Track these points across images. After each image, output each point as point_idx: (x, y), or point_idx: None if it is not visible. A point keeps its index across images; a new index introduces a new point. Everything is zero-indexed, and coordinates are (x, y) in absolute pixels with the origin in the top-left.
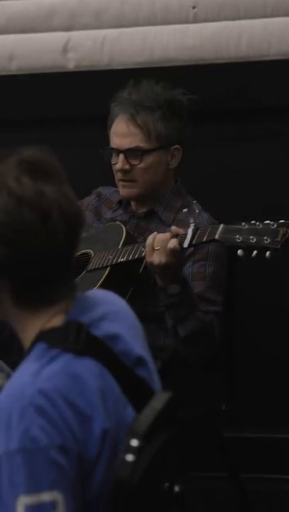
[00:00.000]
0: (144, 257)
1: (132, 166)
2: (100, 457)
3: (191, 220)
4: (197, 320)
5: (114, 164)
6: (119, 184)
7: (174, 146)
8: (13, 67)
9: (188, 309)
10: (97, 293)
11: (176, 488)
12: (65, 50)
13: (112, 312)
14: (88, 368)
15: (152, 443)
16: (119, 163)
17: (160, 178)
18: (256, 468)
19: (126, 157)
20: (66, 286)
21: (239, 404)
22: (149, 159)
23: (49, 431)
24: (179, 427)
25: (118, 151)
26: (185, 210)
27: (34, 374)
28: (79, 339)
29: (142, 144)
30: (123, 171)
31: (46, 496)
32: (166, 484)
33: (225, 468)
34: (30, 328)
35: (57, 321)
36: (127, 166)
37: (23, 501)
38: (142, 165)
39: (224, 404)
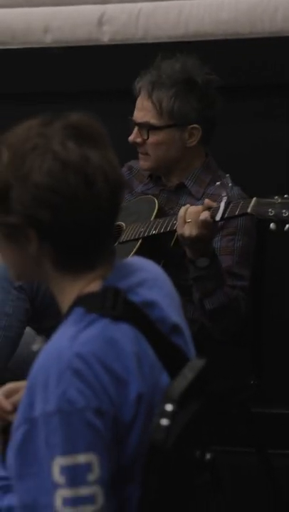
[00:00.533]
0: (175, 230)
1: (143, 139)
2: (135, 421)
3: (224, 194)
4: (224, 294)
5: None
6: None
7: (192, 126)
8: (48, 40)
9: (216, 283)
10: (136, 260)
11: (208, 456)
12: (100, 23)
13: (150, 279)
14: (125, 334)
15: (186, 409)
16: (132, 135)
17: (174, 155)
18: (283, 444)
19: (139, 130)
20: (106, 252)
21: (267, 380)
22: (159, 135)
23: (86, 393)
24: (209, 399)
25: (134, 124)
26: (218, 183)
27: (72, 338)
28: (116, 305)
29: (153, 120)
30: (135, 144)
31: (82, 458)
32: (198, 452)
33: (252, 444)
34: (68, 292)
35: (95, 286)
36: (138, 139)
37: (59, 463)
38: (150, 140)
39: (252, 378)
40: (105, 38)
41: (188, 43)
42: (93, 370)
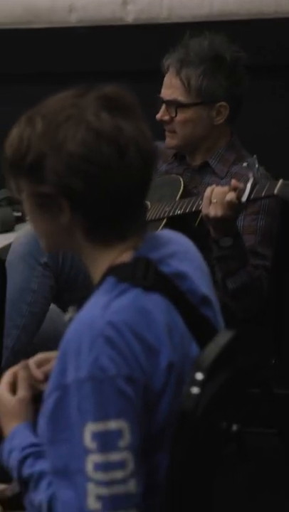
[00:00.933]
0: (200, 210)
1: (171, 117)
2: (166, 389)
3: (250, 175)
4: (247, 274)
5: None
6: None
7: (220, 103)
8: (73, 20)
9: (239, 263)
10: (167, 233)
11: (234, 427)
12: (124, 2)
13: (181, 252)
14: (156, 303)
15: (214, 379)
16: (159, 112)
17: (201, 133)
18: None
19: (166, 108)
20: (137, 223)
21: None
22: (187, 113)
23: (117, 361)
24: (236, 372)
25: (162, 102)
26: (244, 164)
27: (104, 306)
28: (147, 275)
29: (181, 98)
30: (162, 121)
31: (113, 424)
32: (224, 422)
33: (274, 425)
34: (100, 262)
35: (126, 256)
36: (166, 117)
37: (90, 429)
38: (178, 117)
39: (274, 358)
40: (129, 18)
41: (213, 22)
42: (125, 338)
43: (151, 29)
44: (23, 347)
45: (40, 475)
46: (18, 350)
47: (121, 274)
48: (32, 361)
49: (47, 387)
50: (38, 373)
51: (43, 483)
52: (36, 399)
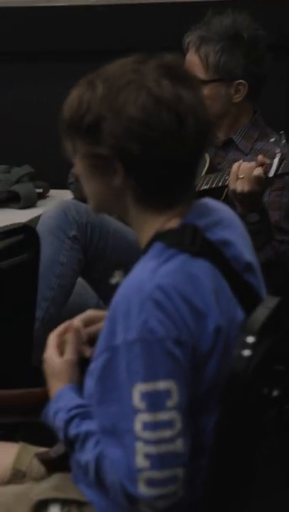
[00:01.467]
0: (226, 186)
1: None
2: (213, 352)
3: (278, 150)
4: (272, 249)
5: None
6: None
7: (238, 81)
8: None
9: (265, 238)
10: (211, 201)
11: (275, 393)
12: None
13: (226, 219)
14: (203, 269)
15: (262, 343)
16: None
17: (220, 110)
18: None
19: None
20: (187, 192)
21: None
22: (205, 90)
23: (166, 324)
24: (280, 338)
25: None
26: (272, 140)
27: (152, 270)
28: (195, 241)
29: (199, 74)
30: None
31: (161, 385)
32: (267, 388)
33: None
34: (147, 227)
35: (174, 223)
36: None
37: (139, 389)
38: None
39: None
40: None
41: (234, 1)
42: (173, 301)
43: (174, 7)
44: (52, 319)
45: (87, 435)
46: (47, 322)
47: (169, 239)
48: (80, 318)
49: (96, 349)
50: (83, 335)
51: (90, 443)
52: (81, 361)
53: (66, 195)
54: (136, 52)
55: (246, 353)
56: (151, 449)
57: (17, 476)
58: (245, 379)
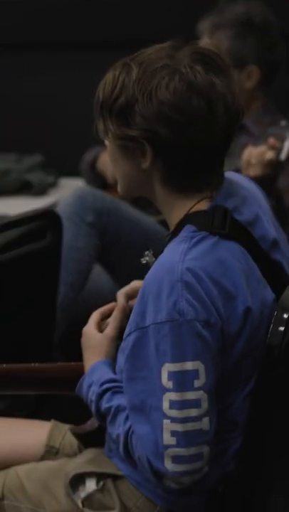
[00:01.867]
0: (238, 170)
1: None
2: (241, 333)
3: (288, 134)
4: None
5: None
6: None
7: (250, 67)
8: None
9: (281, 223)
10: (235, 176)
11: None
12: None
13: (251, 197)
14: (233, 251)
15: None
16: None
17: None
18: None
19: None
20: (214, 175)
21: None
22: None
23: (195, 306)
24: None
25: None
26: (283, 122)
27: (183, 253)
28: (225, 223)
29: None
30: None
31: (189, 365)
32: None
33: None
34: (175, 209)
35: (203, 205)
36: None
37: (167, 368)
38: None
39: None
40: None
41: None
42: (203, 284)
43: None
44: (71, 303)
45: (118, 409)
46: (66, 307)
47: (199, 222)
48: (124, 291)
49: (127, 327)
50: (126, 308)
51: (121, 418)
52: (119, 336)
53: (76, 183)
54: (146, 42)
55: (281, 328)
56: (178, 427)
57: (50, 452)
58: (280, 354)
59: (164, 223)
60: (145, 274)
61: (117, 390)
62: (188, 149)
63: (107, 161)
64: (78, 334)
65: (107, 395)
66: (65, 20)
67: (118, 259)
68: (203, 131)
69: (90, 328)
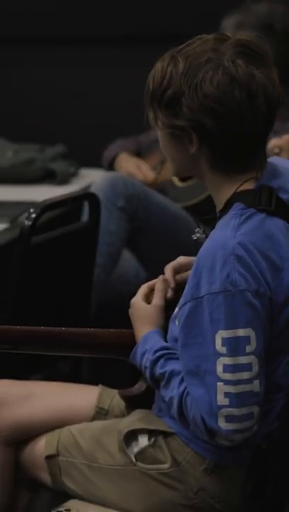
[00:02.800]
0: None
1: None
2: (287, 303)
3: None
4: None
5: None
6: None
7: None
8: None
9: None
10: (280, 160)
11: None
12: None
13: None
14: (279, 227)
15: None
16: None
17: None
18: None
19: None
20: (257, 158)
21: None
22: None
23: (247, 277)
24: None
25: None
26: None
27: (234, 229)
28: (271, 201)
29: None
30: None
31: (241, 332)
32: None
33: None
34: (222, 190)
35: (250, 185)
36: None
37: (221, 335)
38: None
39: None
40: None
41: None
42: (253, 257)
43: None
44: (102, 284)
45: (171, 374)
46: (97, 287)
47: (247, 200)
48: (171, 265)
49: (182, 298)
50: (172, 282)
51: (174, 382)
52: (167, 307)
53: (96, 173)
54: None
55: None
56: (231, 389)
57: (100, 413)
58: None
59: (188, 209)
60: (196, 249)
61: (169, 357)
62: (231, 137)
63: (122, 165)
64: (105, 314)
65: (161, 361)
66: (76, 17)
67: (146, 243)
68: (245, 120)
69: (138, 300)
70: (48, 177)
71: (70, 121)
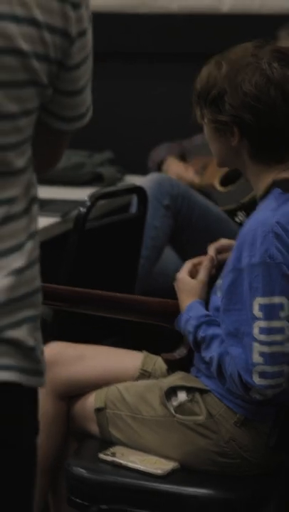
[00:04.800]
0: None
1: None
2: None
3: None
4: None
5: None
6: None
7: None
8: (175, 8)
9: None
10: None
11: None
12: None
13: None
14: None
15: None
16: None
17: None
18: None
19: None
20: None
21: None
22: None
23: (283, 252)
24: None
25: None
26: None
27: (273, 210)
28: None
29: None
30: None
31: (276, 299)
32: None
33: None
34: (262, 178)
35: (286, 173)
36: None
37: (258, 301)
38: None
39: None
40: (225, 8)
41: None
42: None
43: (244, 19)
44: (146, 275)
45: (213, 337)
46: (141, 277)
47: (284, 186)
48: (214, 246)
49: (224, 270)
50: (215, 260)
51: (215, 344)
52: (209, 283)
53: (140, 179)
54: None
55: None
56: (265, 349)
57: (144, 375)
58: None
59: (227, 213)
60: (238, 230)
61: (211, 323)
62: (268, 131)
63: (171, 167)
64: None
65: (203, 326)
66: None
67: (188, 240)
68: (280, 116)
69: (184, 275)
70: (96, 180)
71: (116, 130)
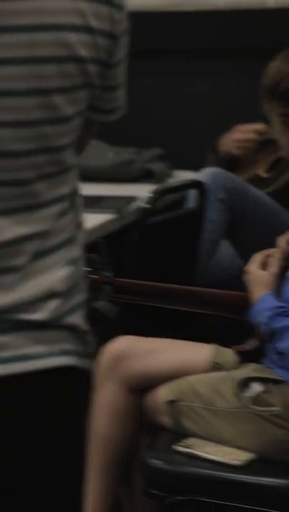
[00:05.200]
0: None
1: None
2: None
3: None
4: None
5: None
6: None
7: None
8: (221, 2)
9: None
10: None
11: None
12: None
13: None
14: None
15: None
16: None
17: None
18: None
19: None
20: None
21: None
22: None
23: None
24: None
25: None
26: None
27: None
28: None
29: None
30: None
31: None
32: None
33: None
34: None
35: None
36: None
37: None
38: None
39: None
40: (271, 2)
41: None
42: None
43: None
44: (204, 267)
45: (287, 328)
46: (199, 270)
47: None
48: (286, 238)
49: None
50: (286, 252)
51: (288, 335)
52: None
53: (189, 175)
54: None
55: None
56: None
57: (215, 367)
58: None
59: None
60: None
61: (284, 314)
62: None
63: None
64: None
65: (277, 317)
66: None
67: (244, 233)
68: None
69: (254, 267)
70: (146, 176)
71: (164, 127)
